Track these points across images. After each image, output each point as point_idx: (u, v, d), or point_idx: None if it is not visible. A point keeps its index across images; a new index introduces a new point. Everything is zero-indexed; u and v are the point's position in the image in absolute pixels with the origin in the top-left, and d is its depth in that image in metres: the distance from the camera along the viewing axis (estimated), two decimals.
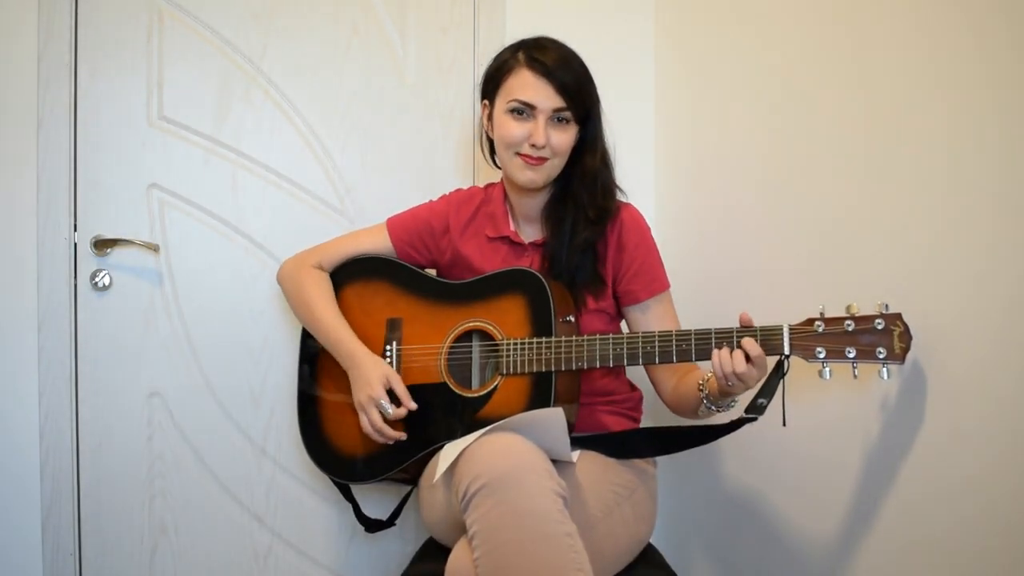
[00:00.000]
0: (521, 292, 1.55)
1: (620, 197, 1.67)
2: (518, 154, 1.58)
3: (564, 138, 1.58)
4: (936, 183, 1.27)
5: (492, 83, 1.62)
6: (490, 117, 1.65)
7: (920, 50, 1.31)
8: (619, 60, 2.16)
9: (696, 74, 2.03)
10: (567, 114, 1.56)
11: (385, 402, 1.55)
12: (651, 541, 1.63)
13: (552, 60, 1.55)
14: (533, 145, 1.55)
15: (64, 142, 1.89)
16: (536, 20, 2.10)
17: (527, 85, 1.55)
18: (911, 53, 1.33)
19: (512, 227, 1.69)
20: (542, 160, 1.57)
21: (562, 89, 1.55)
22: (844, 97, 1.48)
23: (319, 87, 2.06)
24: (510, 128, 1.57)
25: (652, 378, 1.66)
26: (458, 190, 1.80)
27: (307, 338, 1.77)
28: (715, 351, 1.37)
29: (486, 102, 1.65)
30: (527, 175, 1.59)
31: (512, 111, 1.57)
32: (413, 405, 1.57)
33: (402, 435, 1.57)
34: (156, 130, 1.97)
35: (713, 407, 1.48)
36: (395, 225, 1.75)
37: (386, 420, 1.56)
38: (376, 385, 1.56)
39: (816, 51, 1.57)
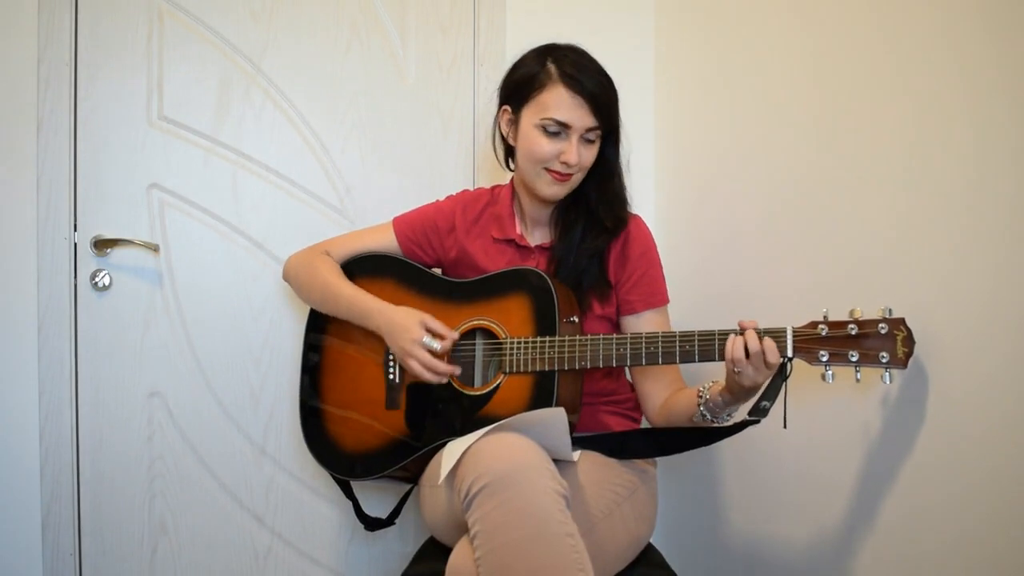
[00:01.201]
0: (526, 291, 1.55)
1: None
2: (547, 169, 1.58)
3: (591, 155, 1.59)
4: (938, 186, 1.28)
5: (520, 93, 1.60)
6: (511, 124, 1.63)
7: (922, 52, 1.32)
8: (619, 61, 2.12)
9: (696, 75, 2.04)
10: (597, 132, 1.57)
11: (428, 338, 1.53)
12: (651, 541, 1.63)
13: (588, 79, 1.54)
14: (565, 163, 1.55)
15: (64, 142, 1.89)
16: (536, 20, 2.12)
17: (564, 105, 1.54)
18: (913, 55, 1.33)
19: (519, 230, 1.69)
20: (569, 176, 1.58)
21: (596, 109, 1.55)
22: (845, 99, 1.49)
23: (319, 87, 2.06)
24: (541, 145, 1.56)
25: (640, 391, 1.66)
26: (465, 190, 1.80)
27: (310, 334, 1.77)
28: (731, 344, 1.35)
29: (507, 108, 1.64)
30: (553, 190, 1.59)
31: (544, 128, 1.56)
32: (456, 335, 1.56)
33: (456, 369, 1.56)
34: (156, 130, 1.97)
35: (708, 416, 1.47)
36: (401, 224, 1.75)
37: (436, 356, 1.54)
38: (415, 327, 1.54)
39: (817, 52, 1.57)
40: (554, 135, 1.55)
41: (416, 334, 1.53)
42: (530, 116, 1.58)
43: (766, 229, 1.72)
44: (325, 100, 2.06)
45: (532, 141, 1.57)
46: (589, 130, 1.56)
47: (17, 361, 1.88)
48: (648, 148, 2.19)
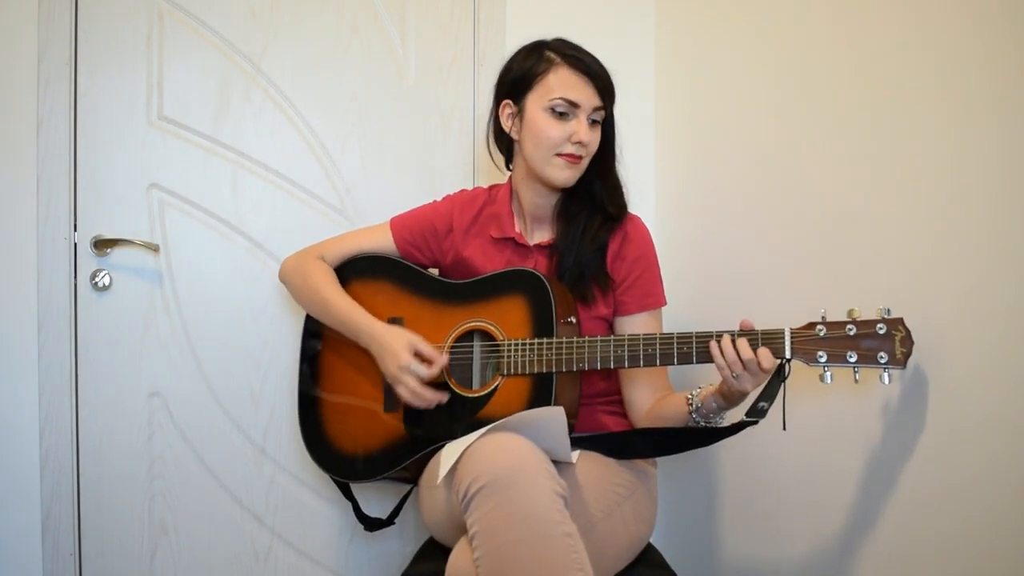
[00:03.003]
0: (522, 292, 1.55)
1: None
2: (559, 155, 1.58)
3: (597, 137, 1.61)
4: (939, 184, 1.27)
5: (521, 84, 1.60)
6: (514, 116, 1.63)
7: (922, 51, 1.31)
8: (619, 60, 2.13)
9: (696, 74, 2.03)
10: (601, 113, 1.59)
11: (415, 365, 1.53)
12: (651, 541, 1.63)
13: (590, 59, 1.58)
14: (578, 143, 1.56)
15: (64, 142, 1.89)
16: (536, 19, 2.12)
17: (572, 84, 1.56)
18: (912, 54, 1.33)
19: (517, 228, 1.69)
20: (580, 159, 1.59)
21: (601, 89, 1.58)
22: (845, 97, 1.48)
23: (319, 87, 2.06)
24: (550, 128, 1.57)
25: (626, 397, 1.65)
26: (462, 191, 1.80)
27: (308, 336, 1.77)
28: (714, 343, 1.36)
29: (508, 101, 1.64)
30: (566, 174, 1.59)
31: (553, 110, 1.57)
32: (445, 359, 1.55)
33: (443, 396, 1.55)
34: (156, 130, 1.97)
35: (701, 422, 1.47)
36: (398, 225, 1.75)
37: (424, 383, 1.54)
38: (403, 353, 1.54)
39: (817, 50, 1.57)
40: (562, 116, 1.57)
41: (404, 359, 1.53)
42: (536, 101, 1.58)
43: (766, 228, 1.72)
44: (325, 100, 2.06)
45: (541, 126, 1.58)
46: (595, 110, 1.58)
47: (17, 361, 1.88)
48: (648, 147, 2.19)
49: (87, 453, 1.94)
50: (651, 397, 1.61)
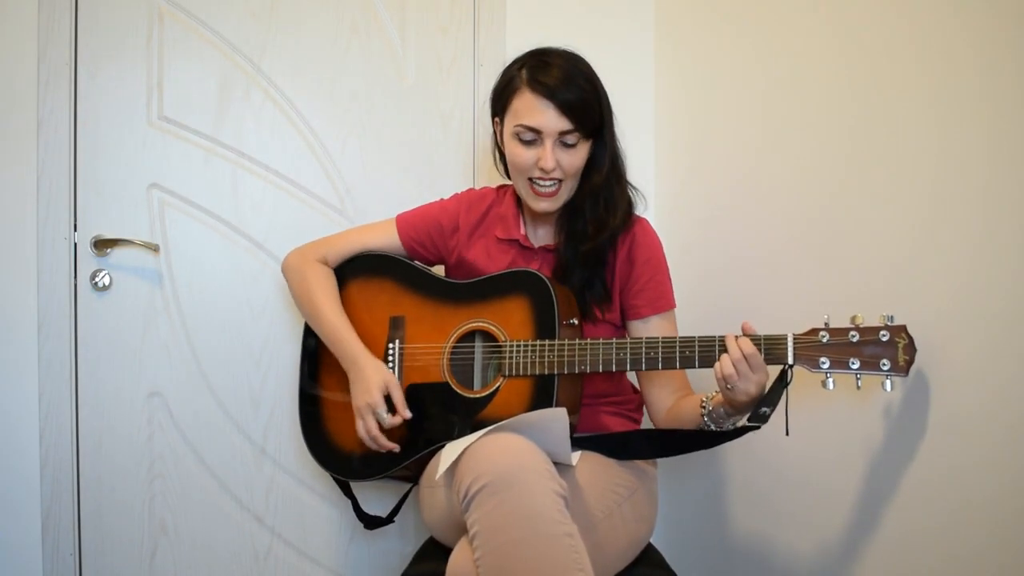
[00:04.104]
0: (525, 294, 1.55)
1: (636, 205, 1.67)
2: (530, 181, 1.57)
3: (574, 159, 1.55)
4: (945, 194, 1.27)
5: (499, 103, 1.60)
6: (501, 135, 1.63)
7: (915, 52, 1.32)
8: (619, 60, 2.16)
9: (696, 74, 2.03)
10: (574, 136, 1.53)
11: (382, 410, 1.55)
12: (651, 541, 1.63)
13: (555, 80, 1.50)
14: (543, 169, 1.53)
15: (64, 142, 1.89)
16: (536, 20, 2.12)
17: (531, 110, 1.51)
18: (913, 55, 1.33)
19: (523, 230, 1.69)
20: (555, 191, 1.57)
21: (567, 110, 1.50)
22: (847, 99, 1.48)
23: (319, 87, 2.06)
24: (518, 154, 1.55)
25: (646, 396, 1.65)
26: (470, 190, 1.80)
27: (309, 335, 1.77)
28: (718, 362, 1.36)
29: (497, 119, 1.64)
30: (540, 205, 1.59)
31: (518, 136, 1.55)
32: (408, 414, 1.57)
33: (395, 447, 1.57)
34: (156, 130, 1.97)
35: (712, 425, 1.47)
36: (404, 222, 1.74)
37: (382, 428, 1.57)
38: (375, 392, 1.56)
39: (817, 51, 1.57)
40: (529, 143, 1.54)
41: (373, 399, 1.56)
42: (508, 125, 1.57)
43: (765, 230, 1.72)
44: (325, 100, 2.06)
45: (511, 151, 1.57)
46: (564, 133, 1.52)
47: (17, 361, 1.88)
48: (648, 148, 2.19)
49: (87, 453, 1.94)
50: (670, 396, 1.61)
